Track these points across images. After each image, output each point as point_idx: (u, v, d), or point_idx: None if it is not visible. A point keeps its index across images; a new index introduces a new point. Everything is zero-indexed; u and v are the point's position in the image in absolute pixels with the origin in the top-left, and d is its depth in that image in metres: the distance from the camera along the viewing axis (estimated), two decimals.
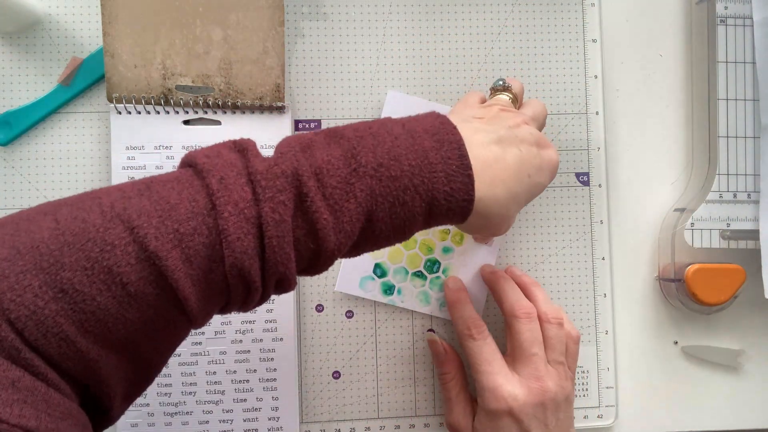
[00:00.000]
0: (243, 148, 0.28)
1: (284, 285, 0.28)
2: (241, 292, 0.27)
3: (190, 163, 0.28)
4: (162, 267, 0.24)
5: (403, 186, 0.28)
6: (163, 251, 0.24)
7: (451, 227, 0.45)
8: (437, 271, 0.45)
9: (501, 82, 0.39)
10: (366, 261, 0.45)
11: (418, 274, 0.45)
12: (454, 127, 0.30)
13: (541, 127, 0.38)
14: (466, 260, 0.45)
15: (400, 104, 0.45)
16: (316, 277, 0.45)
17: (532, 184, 0.33)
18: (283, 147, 0.28)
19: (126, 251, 0.24)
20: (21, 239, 0.24)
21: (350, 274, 0.45)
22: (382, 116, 0.45)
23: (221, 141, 0.29)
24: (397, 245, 0.44)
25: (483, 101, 0.40)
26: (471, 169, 0.29)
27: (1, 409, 0.21)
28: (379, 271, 0.45)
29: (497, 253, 0.46)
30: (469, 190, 0.29)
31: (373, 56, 0.47)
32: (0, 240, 0.24)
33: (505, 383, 0.38)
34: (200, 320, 0.27)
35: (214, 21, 0.42)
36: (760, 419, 0.48)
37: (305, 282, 0.45)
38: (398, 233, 0.30)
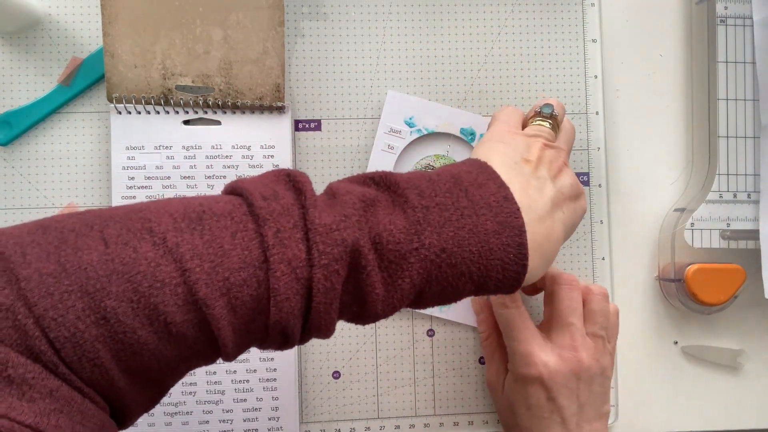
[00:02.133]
0: (300, 189, 0.27)
1: (321, 336, 0.28)
2: (279, 342, 0.27)
3: (241, 193, 0.27)
4: (208, 314, 0.24)
5: (459, 272, 0.28)
6: (212, 299, 0.24)
7: None
8: None
9: (548, 110, 0.38)
10: None
11: None
12: (518, 210, 0.29)
13: (569, 151, 0.39)
14: None
15: (400, 104, 0.45)
16: None
17: (567, 237, 0.35)
18: (346, 203, 0.27)
19: (175, 292, 0.24)
20: (67, 255, 0.23)
21: None
22: (382, 116, 0.45)
23: (274, 169, 0.29)
24: None
25: (522, 121, 0.39)
26: (527, 258, 0.29)
27: (39, 418, 0.21)
28: None
29: None
30: (520, 277, 0.30)
31: (373, 56, 0.47)
32: (45, 250, 0.23)
33: (538, 350, 0.38)
34: (232, 358, 0.27)
35: (214, 21, 0.42)
36: (760, 419, 0.48)
37: None
38: (439, 305, 0.30)
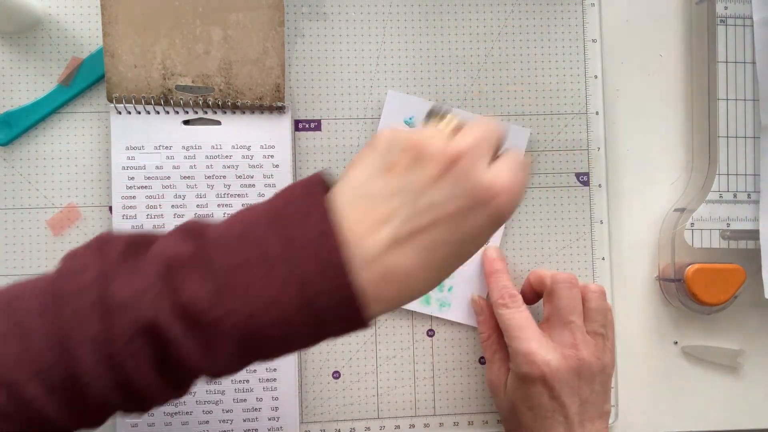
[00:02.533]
0: (106, 257, 0.27)
1: (175, 397, 0.28)
2: (134, 407, 0.27)
3: (59, 268, 0.28)
4: (25, 396, 0.25)
5: (284, 331, 0.26)
6: (23, 382, 0.25)
7: None
8: None
9: (438, 111, 0.32)
10: None
11: None
12: (337, 247, 0.26)
13: (493, 147, 0.29)
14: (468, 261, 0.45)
15: (399, 104, 0.45)
16: None
17: (459, 254, 0.28)
18: (149, 273, 0.26)
19: None
20: None
21: None
22: (382, 116, 0.45)
23: (98, 235, 0.29)
24: None
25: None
26: (356, 300, 0.26)
27: None
28: None
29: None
30: (358, 319, 0.26)
31: (373, 56, 0.47)
32: None
33: (539, 349, 0.38)
34: (98, 425, 0.27)
35: (214, 21, 0.42)
36: (760, 419, 0.48)
37: None
38: (288, 352, 0.28)
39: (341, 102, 0.46)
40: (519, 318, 0.40)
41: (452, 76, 0.47)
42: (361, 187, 0.28)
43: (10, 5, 0.42)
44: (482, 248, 0.44)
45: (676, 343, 0.48)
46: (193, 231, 0.28)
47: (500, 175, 0.28)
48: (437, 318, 0.46)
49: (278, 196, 0.28)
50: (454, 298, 0.45)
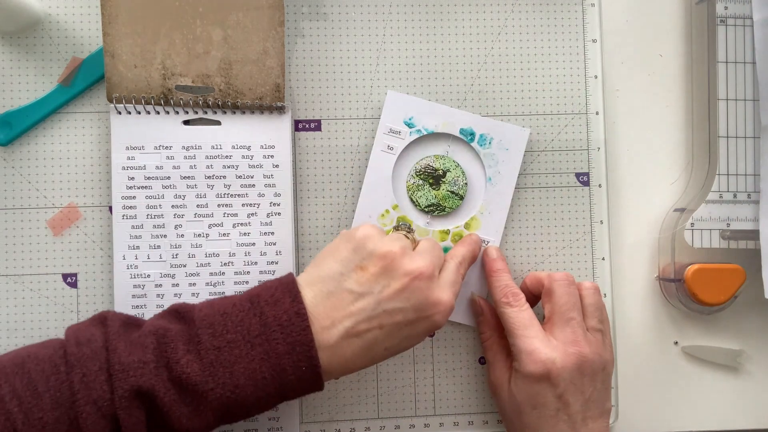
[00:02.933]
0: (108, 331, 0.32)
1: None
2: None
3: (67, 337, 0.32)
4: None
5: (257, 397, 0.32)
6: None
7: (452, 227, 0.45)
8: None
9: (405, 226, 0.42)
10: None
11: None
12: (307, 326, 0.33)
13: (440, 266, 0.38)
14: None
15: (399, 105, 0.45)
16: (293, 258, 0.44)
17: (393, 351, 0.36)
18: (146, 347, 0.32)
19: (4, 426, 0.29)
20: None
21: None
22: (382, 116, 0.45)
23: (97, 313, 0.34)
24: None
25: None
26: (320, 377, 0.33)
27: None
28: None
29: None
30: (318, 383, 0.34)
31: (373, 56, 0.47)
32: None
33: (543, 347, 0.38)
34: None
35: (214, 21, 0.42)
36: (760, 419, 0.48)
37: None
38: (255, 414, 0.34)
39: (341, 102, 0.46)
40: (523, 316, 0.40)
41: (452, 76, 0.47)
42: (331, 282, 0.34)
43: (10, 5, 0.42)
44: (487, 248, 0.45)
45: (676, 343, 0.48)
46: (180, 312, 0.34)
47: (444, 292, 0.36)
48: None
49: (255, 287, 0.35)
50: None
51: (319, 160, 0.46)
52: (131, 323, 0.34)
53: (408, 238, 0.39)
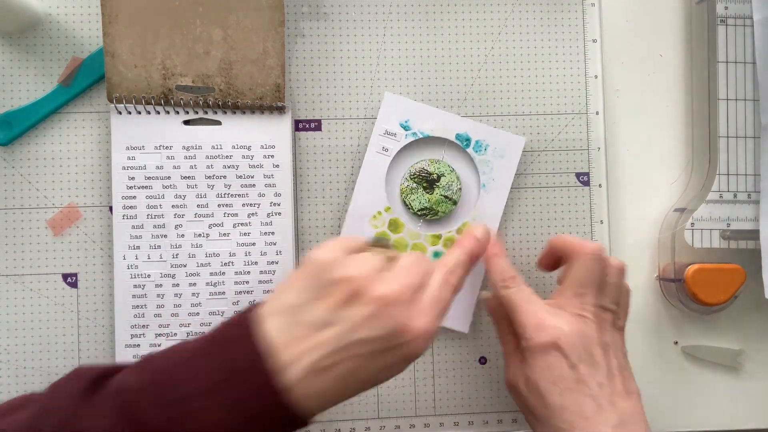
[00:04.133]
0: (74, 398, 0.30)
1: None
2: None
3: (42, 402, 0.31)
4: None
5: None
6: None
7: (443, 232, 0.45)
8: None
9: (382, 240, 0.38)
10: None
11: None
12: (268, 373, 0.29)
13: (420, 289, 0.33)
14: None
15: (396, 107, 0.45)
16: (293, 258, 0.44)
17: (370, 382, 0.32)
18: (106, 415, 0.29)
19: None
20: None
21: None
22: (378, 118, 0.45)
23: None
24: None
25: (355, 250, 0.34)
26: (291, 414, 0.30)
27: None
28: None
29: None
30: (297, 426, 0.31)
31: (373, 56, 0.47)
32: None
33: (549, 316, 0.37)
34: None
35: (214, 21, 0.42)
36: (760, 419, 0.48)
37: None
38: None
39: (341, 102, 0.46)
40: (523, 294, 0.39)
41: (452, 76, 0.47)
42: (294, 313, 0.31)
43: (10, 5, 0.42)
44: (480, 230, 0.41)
45: (676, 343, 0.48)
46: (145, 364, 0.31)
47: (423, 317, 0.32)
48: None
49: (215, 328, 0.32)
50: None
51: (319, 160, 0.46)
52: (102, 377, 0.32)
53: (386, 254, 0.35)
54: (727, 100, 0.45)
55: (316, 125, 0.46)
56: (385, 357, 0.31)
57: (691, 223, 0.44)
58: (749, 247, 0.45)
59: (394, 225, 0.45)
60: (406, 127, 0.45)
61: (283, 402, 0.29)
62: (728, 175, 0.45)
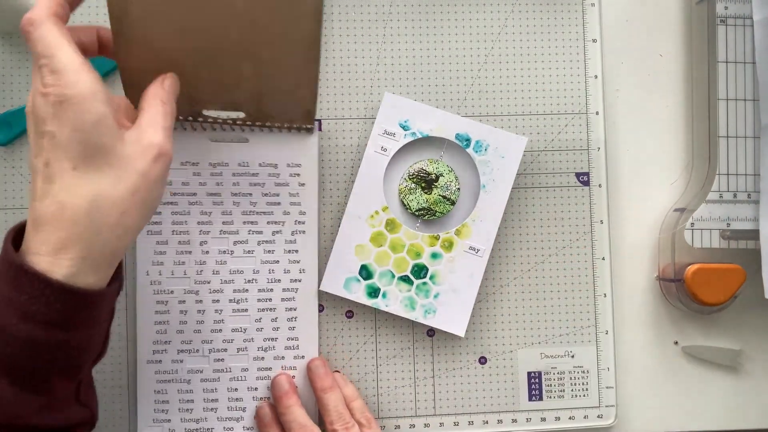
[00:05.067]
0: None
1: None
2: None
3: None
4: None
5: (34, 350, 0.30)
6: None
7: (442, 233, 0.45)
8: (424, 277, 0.45)
9: None
10: (352, 261, 0.44)
11: (405, 279, 0.44)
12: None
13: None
14: (455, 267, 0.45)
15: (395, 106, 0.45)
16: (316, 276, 0.44)
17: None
18: None
19: None
20: None
21: (335, 273, 0.44)
22: (377, 118, 0.45)
23: None
24: (385, 248, 0.44)
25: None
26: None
27: None
28: (365, 272, 0.44)
29: (487, 261, 0.45)
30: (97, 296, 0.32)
31: (374, 56, 0.47)
32: None
33: None
34: None
35: (245, 57, 0.37)
36: (760, 419, 0.48)
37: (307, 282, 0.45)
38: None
39: (341, 102, 0.46)
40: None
41: (452, 76, 0.47)
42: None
43: (10, 5, 0.42)
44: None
45: (676, 343, 0.48)
46: None
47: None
48: (421, 324, 0.46)
49: None
50: (439, 305, 0.45)
51: (319, 160, 0.46)
52: None
53: None
54: (727, 100, 0.45)
55: (316, 125, 0.46)
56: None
57: (691, 223, 0.44)
58: (749, 247, 0.45)
59: (390, 225, 0.45)
60: (405, 127, 0.45)
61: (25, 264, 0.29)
62: (728, 175, 0.45)
